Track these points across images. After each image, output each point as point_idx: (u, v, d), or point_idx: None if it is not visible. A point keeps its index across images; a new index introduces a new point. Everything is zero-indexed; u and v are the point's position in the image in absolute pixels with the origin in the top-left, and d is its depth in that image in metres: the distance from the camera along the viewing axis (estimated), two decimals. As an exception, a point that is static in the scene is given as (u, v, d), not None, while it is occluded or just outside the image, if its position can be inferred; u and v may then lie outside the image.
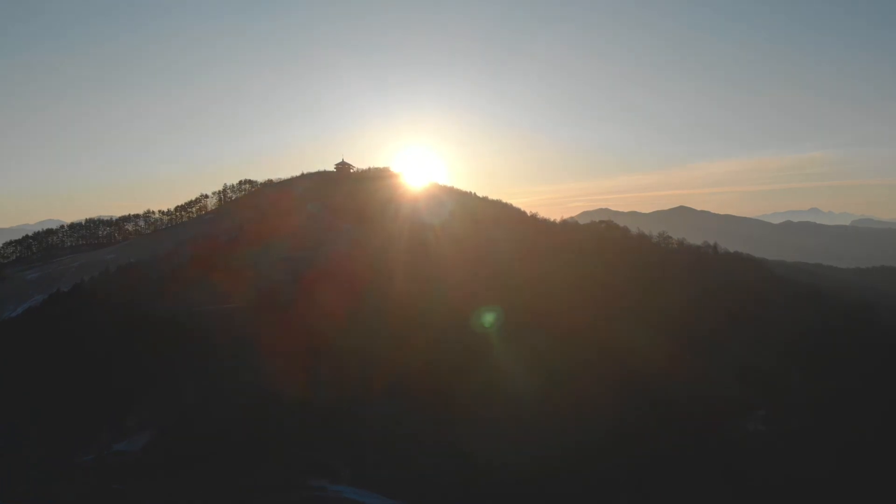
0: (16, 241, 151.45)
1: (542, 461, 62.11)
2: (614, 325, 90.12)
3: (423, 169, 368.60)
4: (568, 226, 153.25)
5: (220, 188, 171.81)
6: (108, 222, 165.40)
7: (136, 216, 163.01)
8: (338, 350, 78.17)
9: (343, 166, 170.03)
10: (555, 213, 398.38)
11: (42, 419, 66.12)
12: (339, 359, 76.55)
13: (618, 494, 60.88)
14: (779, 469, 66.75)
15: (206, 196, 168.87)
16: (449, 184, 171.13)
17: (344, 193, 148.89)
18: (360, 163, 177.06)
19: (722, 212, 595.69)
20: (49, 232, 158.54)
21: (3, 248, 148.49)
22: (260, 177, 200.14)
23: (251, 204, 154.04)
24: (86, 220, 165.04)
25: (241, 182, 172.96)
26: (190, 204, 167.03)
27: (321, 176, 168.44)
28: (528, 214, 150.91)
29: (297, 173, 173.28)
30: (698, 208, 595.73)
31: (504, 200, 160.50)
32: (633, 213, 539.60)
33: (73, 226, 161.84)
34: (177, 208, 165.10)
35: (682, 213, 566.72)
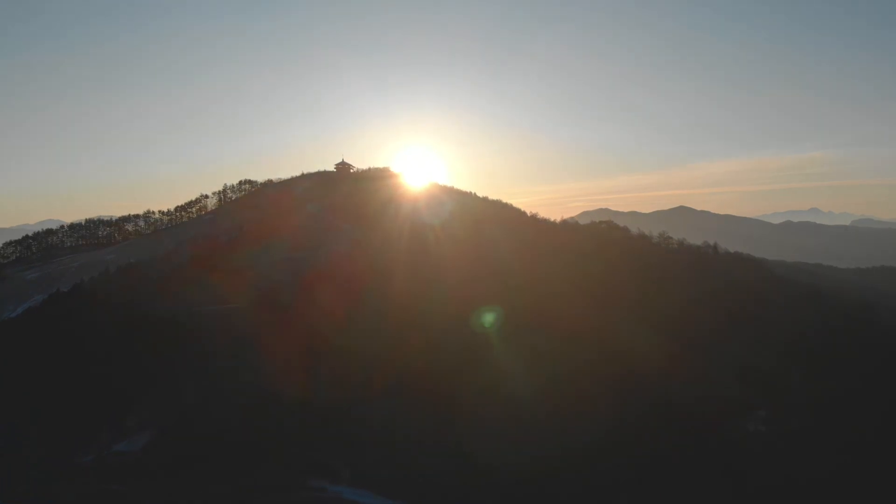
0: (16, 242, 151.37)
1: (542, 461, 62.07)
2: (614, 325, 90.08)
3: (423, 169, 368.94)
4: (568, 226, 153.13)
5: (220, 188, 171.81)
6: (108, 222, 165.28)
7: (136, 216, 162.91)
8: (338, 350, 78.15)
9: (343, 166, 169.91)
10: (555, 213, 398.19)
11: (42, 419, 66.08)
12: (339, 359, 76.53)
13: (618, 495, 60.83)
14: (779, 469, 66.72)
15: (206, 196, 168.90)
16: (449, 184, 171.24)
17: (344, 193, 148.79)
18: (360, 163, 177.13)
19: (722, 212, 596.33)
20: (49, 232, 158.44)
21: (3, 248, 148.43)
22: (260, 177, 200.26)
23: (251, 204, 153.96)
24: (86, 220, 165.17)
25: (241, 182, 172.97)
26: (190, 204, 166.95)
27: (321, 176, 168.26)
28: (528, 214, 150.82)
29: (297, 173, 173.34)
30: (698, 208, 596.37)
31: (504, 200, 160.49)
32: (633, 213, 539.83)
33: (72, 226, 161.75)
34: (177, 208, 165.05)
35: (682, 213, 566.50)
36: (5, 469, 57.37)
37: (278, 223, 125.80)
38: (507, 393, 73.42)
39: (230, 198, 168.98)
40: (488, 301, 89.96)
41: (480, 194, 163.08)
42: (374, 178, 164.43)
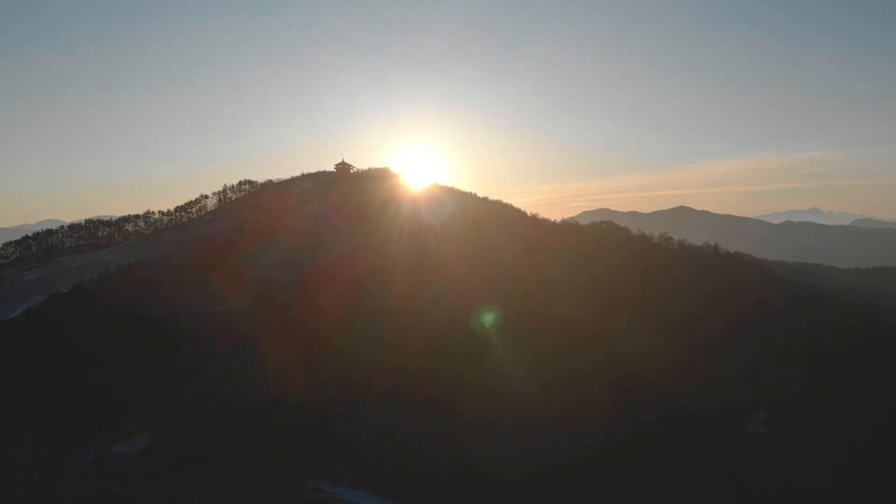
0: (15, 242, 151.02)
1: (542, 463, 61.93)
2: (615, 326, 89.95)
3: (423, 169, 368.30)
4: (568, 226, 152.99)
5: (220, 188, 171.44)
6: (108, 223, 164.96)
7: (136, 217, 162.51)
8: (337, 351, 78.04)
9: (343, 166, 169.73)
10: (555, 214, 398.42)
11: (42, 420, 65.92)
12: (339, 360, 76.41)
13: (619, 496, 60.74)
14: (780, 470, 66.61)
15: (206, 196, 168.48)
16: (449, 184, 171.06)
17: (344, 194, 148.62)
18: (360, 163, 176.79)
19: (722, 212, 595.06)
20: (49, 232, 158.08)
21: (2, 248, 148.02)
22: (260, 177, 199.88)
23: (251, 204, 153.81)
24: (85, 220, 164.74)
25: (241, 182, 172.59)
26: (190, 204, 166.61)
27: (321, 176, 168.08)
28: (529, 215, 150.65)
29: (297, 173, 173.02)
30: (698, 208, 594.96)
31: (504, 200, 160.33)
32: (633, 213, 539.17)
33: (72, 226, 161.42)
34: (177, 209, 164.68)
35: (683, 213, 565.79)
36: (5, 469, 57.24)
37: (278, 223, 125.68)
38: (507, 394, 73.30)
39: (230, 198, 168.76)
40: (488, 301, 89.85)
41: (480, 194, 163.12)
42: (374, 179, 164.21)
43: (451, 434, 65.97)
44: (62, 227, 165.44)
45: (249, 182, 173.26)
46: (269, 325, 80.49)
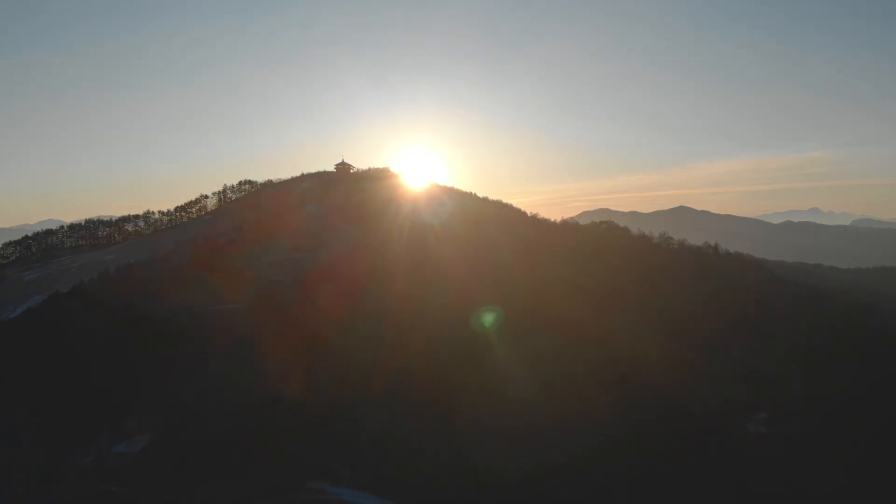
0: (15, 242, 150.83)
1: (542, 463, 61.96)
2: (615, 326, 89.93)
3: (423, 169, 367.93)
4: (568, 226, 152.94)
5: (220, 188, 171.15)
6: (108, 223, 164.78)
7: (136, 216, 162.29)
8: (337, 351, 78.03)
9: (343, 166, 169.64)
10: (555, 214, 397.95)
11: (42, 420, 65.90)
12: (339, 360, 76.41)
13: (619, 496, 60.73)
14: (780, 471, 66.60)
15: (206, 196, 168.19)
16: (449, 184, 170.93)
17: (344, 194, 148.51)
18: (360, 163, 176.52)
19: (722, 212, 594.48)
20: (49, 232, 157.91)
21: (2, 248, 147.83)
22: (260, 177, 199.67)
23: (251, 204, 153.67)
24: (85, 220, 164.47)
25: (240, 182, 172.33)
26: (190, 204, 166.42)
27: (321, 176, 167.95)
28: (529, 215, 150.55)
29: (297, 173, 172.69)
30: (698, 208, 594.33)
31: (504, 200, 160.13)
32: (633, 213, 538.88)
33: (72, 226, 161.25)
34: (177, 209, 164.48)
35: (683, 213, 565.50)
36: (5, 469, 57.20)
37: (278, 223, 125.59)
38: (507, 394, 73.31)
39: (230, 198, 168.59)
40: (488, 301, 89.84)
41: (480, 194, 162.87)
42: (374, 178, 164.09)
43: (451, 434, 65.97)
44: (62, 227, 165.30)
45: (249, 182, 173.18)
46: (269, 325, 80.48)
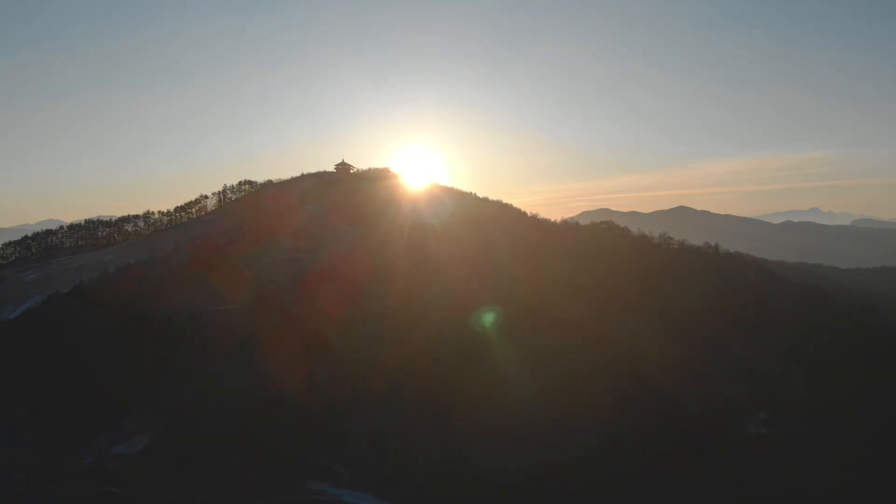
0: (15, 242, 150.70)
1: (542, 463, 61.92)
2: (616, 326, 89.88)
3: (423, 169, 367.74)
4: (568, 226, 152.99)
5: (220, 188, 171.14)
6: (108, 223, 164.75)
7: (136, 217, 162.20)
8: (337, 351, 78.00)
9: (343, 167, 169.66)
10: (555, 214, 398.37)
11: (42, 420, 65.85)
12: (339, 360, 76.37)
13: (619, 496, 60.63)
14: (780, 471, 66.52)
15: (206, 196, 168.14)
16: (449, 184, 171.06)
17: (344, 194, 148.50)
18: (360, 163, 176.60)
19: (722, 212, 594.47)
20: (48, 232, 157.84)
21: (2, 248, 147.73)
22: (260, 177, 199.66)
23: (251, 204, 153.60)
24: (85, 220, 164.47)
25: (240, 182, 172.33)
26: (190, 204, 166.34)
27: (321, 176, 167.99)
28: (529, 215, 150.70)
29: (297, 173, 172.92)
30: (698, 208, 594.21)
31: (504, 201, 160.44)
32: (633, 213, 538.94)
33: (72, 226, 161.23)
34: (176, 209, 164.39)
35: (683, 213, 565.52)
36: (5, 469, 57.16)
37: (278, 223, 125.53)
38: (507, 394, 73.25)
39: (230, 198, 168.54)
40: (488, 301, 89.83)
41: (480, 194, 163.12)
42: (373, 179, 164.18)
43: (451, 434, 65.90)
44: (62, 227, 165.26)
45: (249, 182, 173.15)
46: (269, 325, 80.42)
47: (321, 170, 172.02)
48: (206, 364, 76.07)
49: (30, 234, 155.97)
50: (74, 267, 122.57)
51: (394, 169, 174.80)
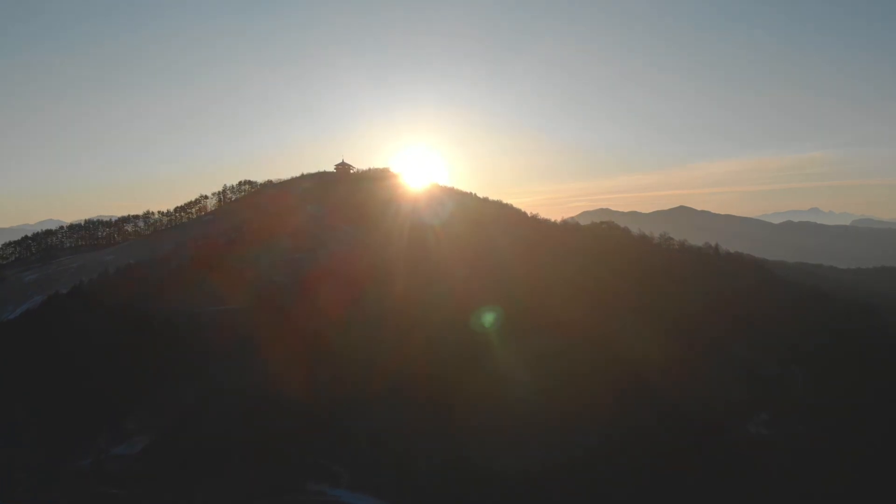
0: (15, 242, 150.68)
1: (543, 464, 61.82)
2: (616, 326, 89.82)
3: (423, 169, 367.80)
4: (568, 226, 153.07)
5: (220, 189, 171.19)
6: (108, 223, 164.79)
7: (136, 217, 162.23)
8: (337, 351, 77.93)
9: (343, 167, 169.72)
10: (555, 214, 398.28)
11: (41, 421, 65.79)
12: (339, 360, 76.29)
13: (619, 496, 60.59)
14: (781, 471, 66.51)
15: (206, 197, 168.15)
16: (449, 184, 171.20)
17: (344, 194, 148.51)
18: (360, 163, 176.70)
19: (722, 212, 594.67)
20: (48, 233, 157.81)
21: (2, 248, 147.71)
22: (260, 177, 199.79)
23: (251, 204, 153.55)
24: (85, 220, 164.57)
25: (240, 183, 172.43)
26: (190, 205, 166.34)
27: (321, 176, 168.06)
28: (529, 215, 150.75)
29: (297, 174, 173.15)
30: (698, 208, 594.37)
31: (504, 201, 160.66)
32: (633, 213, 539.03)
33: (72, 226, 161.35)
34: (176, 209, 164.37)
35: (683, 213, 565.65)
36: (5, 470, 57.13)
37: (278, 223, 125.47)
38: (507, 394, 73.13)
39: (230, 198, 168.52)
40: (488, 302, 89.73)
41: (480, 194, 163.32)
42: (374, 179, 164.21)
43: (451, 434, 65.79)
44: (62, 227, 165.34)
45: (249, 182, 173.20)
46: (269, 325, 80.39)
47: (321, 170, 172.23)
48: (205, 364, 76.00)
49: (30, 235, 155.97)
50: (74, 267, 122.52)
51: (394, 169, 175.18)
